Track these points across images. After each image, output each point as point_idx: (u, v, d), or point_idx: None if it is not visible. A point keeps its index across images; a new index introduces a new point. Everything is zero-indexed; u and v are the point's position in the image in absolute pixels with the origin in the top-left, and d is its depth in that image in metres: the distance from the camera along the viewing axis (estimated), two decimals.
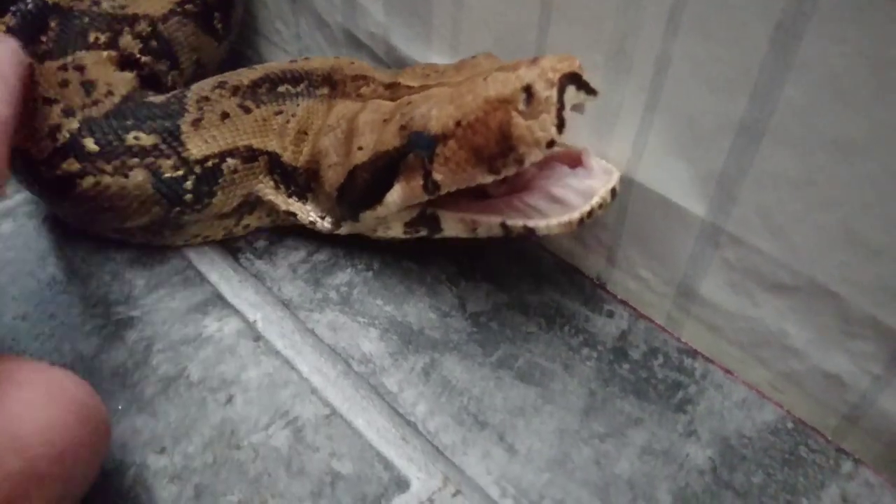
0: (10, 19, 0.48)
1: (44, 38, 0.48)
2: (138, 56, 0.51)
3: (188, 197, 0.45)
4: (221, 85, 0.48)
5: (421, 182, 0.40)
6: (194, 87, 0.47)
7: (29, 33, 0.47)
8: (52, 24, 0.48)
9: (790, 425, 0.41)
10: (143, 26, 0.51)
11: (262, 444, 0.39)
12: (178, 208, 0.46)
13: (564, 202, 0.38)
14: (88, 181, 0.43)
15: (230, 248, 0.50)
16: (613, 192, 0.38)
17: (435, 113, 0.38)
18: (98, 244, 0.50)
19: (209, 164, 0.45)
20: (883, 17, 0.28)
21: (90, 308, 0.46)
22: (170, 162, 0.44)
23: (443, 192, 0.39)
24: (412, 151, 0.40)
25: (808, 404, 0.41)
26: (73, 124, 0.44)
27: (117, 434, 0.39)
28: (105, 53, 0.48)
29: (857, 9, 0.29)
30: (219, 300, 0.47)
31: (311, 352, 0.44)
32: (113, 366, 0.43)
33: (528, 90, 0.34)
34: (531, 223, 0.39)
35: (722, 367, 0.44)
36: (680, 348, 0.45)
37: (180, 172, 0.44)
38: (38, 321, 0.45)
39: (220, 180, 0.46)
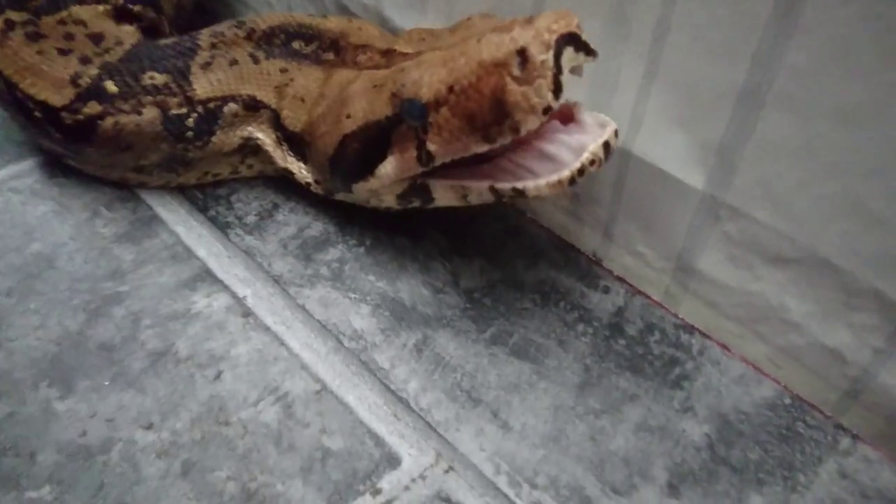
0: None
1: None
2: (130, 7, 0.52)
3: (189, 134, 0.47)
4: (239, 25, 0.49)
5: (415, 153, 0.39)
6: (206, 30, 0.49)
7: None
8: None
9: (788, 401, 0.40)
10: None
11: (252, 420, 0.39)
12: (181, 144, 0.47)
13: (556, 159, 0.36)
14: (109, 121, 0.45)
15: (220, 223, 0.49)
16: (607, 146, 0.35)
17: (426, 78, 0.37)
18: (85, 219, 0.49)
19: (211, 105, 0.47)
20: None
21: (77, 283, 0.45)
22: (176, 100, 0.46)
23: (437, 162, 0.38)
24: (404, 120, 0.39)
25: (808, 380, 0.40)
26: (93, 70, 0.45)
27: (104, 409, 0.39)
28: (101, 8, 0.50)
29: None
30: (208, 276, 0.46)
31: (302, 328, 0.43)
32: (100, 341, 0.42)
33: (522, 53, 0.32)
34: (520, 185, 0.37)
35: (719, 342, 0.43)
36: (677, 324, 0.44)
37: (184, 110, 0.46)
38: (24, 297, 0.44)
39: (219, 121, 0.48)
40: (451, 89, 0.36)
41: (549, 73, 0.32)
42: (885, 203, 0.32)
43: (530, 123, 0.33)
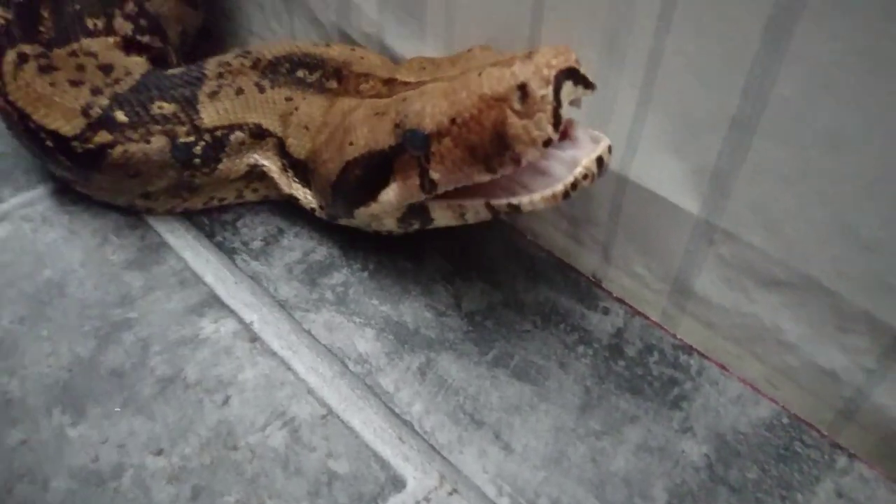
0: (5, 12, 0.49)
1: (42, 28, 0.50)
2: (138, 38, 0.53)
3: (196, 161, 0.48)
4: (245, 54, 0.50)
5: (417, 181, 0.40)
6: (212, 59, 0.50)
7: (28, 24, 0.50)
8: (45, 14, 0.50)
9: (785, 420, 0.41)
10: (130, 7, 0.53)
11: (259, 444, 0.39)
12: (188, 171, 0.49)
13: (549, 174, 0.37)
14: (118, 150, 0.47)
15: (226, 248, 0.50)
16: (600, 161, 0.36)
17: (429, 110, 0.38)
18: (95, 246, 0.50)
19: (218, 133, 0.48)
20: (875, 16, 0.28)
21: (87, 310, 0.46)
22: (184, 128, 0.48)
23: (440, 190, 0.39)
24: (407, 150, 0.40)
25: (803, 399, 0.41)
26: (104, 100, 0.47)
27: (115, 435, 0.39)
28: (111, 39, 0.51)
29: (848, 3, 0.29)
30: (215, 301, 0.47)
31: (308, 352, 0.44)
32: (110, 367, 0.43)
33: (523, 88, 0.33)
34: (515, 200, 0.37)
35: (717, 363, 0.44)
36: (675, 345, 0.45)
37: (192, 138, 0.48)
38: (36, 324, 0.45)
39: (226, 149, 0.49)
40: (453, 121, 0.37)
41: (549, 107, 0.33)
42: (874, 228, 0.33)
43: (531, 155, 0.34)
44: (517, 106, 0.34)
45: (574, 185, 0.36)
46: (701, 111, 0.36)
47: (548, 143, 0.34)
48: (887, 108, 0.30)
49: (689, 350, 0.44)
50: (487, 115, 0.35)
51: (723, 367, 0.43)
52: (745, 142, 0.35)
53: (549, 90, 0.33)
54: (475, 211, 0.40)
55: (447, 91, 0.37)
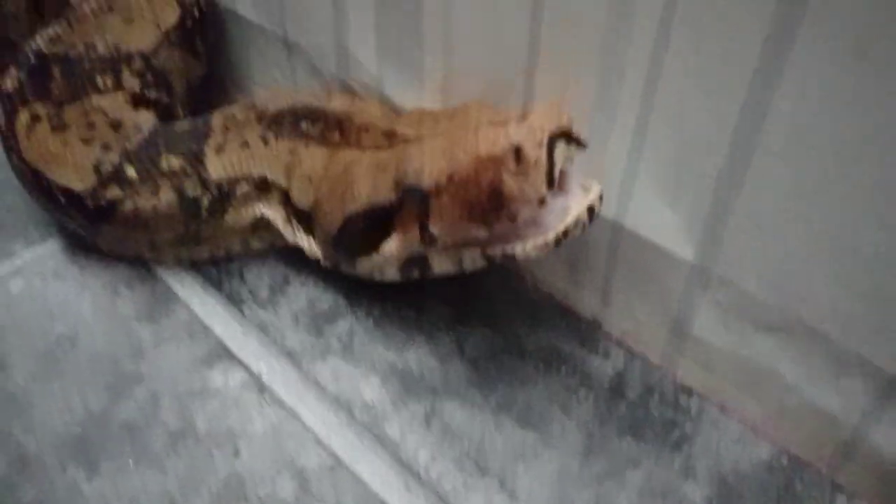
0: (18, 73, 0.51)
1: (53, 86, 0.52)
2: (145, 93, 0.54)
3: (203, 213, 0.50)
4: (250, 108, 0.52)
5: (418, 234, 0.41)
6: (217, 112, 0.52)
7: (39, 84, 0.52)
8: (56, 73, 0.52)
9: (785, 461, 0.42)
10: (138, 63, 0.55)
11: (270, 496, 0.40)
12: (195, 223, 0.50)
13: (541, 224, 0.38)
14: (128, 204, 0.49)
15: (234, 298, 0.51)
16: (591, 210, 0.37)
17: (427, 167, 0.39)
18: (106, 299, 0.51)
19: (224, 185, 0.50)
20: (858, 73, 0.30)
21: (99, 364, 0.47)
22: (191, 182, 0.49)
23: (440, 244, 0.40)
24: (407, 205, 0.41)
25: (803, 439, 0.41)
26: (114, 157, 0.49)
27: (129, 490, 0.40)
28: (119, 96, 0.53)
29: (828, 63, 0.30)
30: (224, 352, 0.48)
31: (315, 401, 0.45)
32: (123, 421, 0.44)
33: (517, 150, 0.35)
34: (509, 249, 0.39)
35: (717, 403, 0.44)
36: (675, 386, 0.46)
37: (199, 191, 0.49)
38: (49, 379, 0.46)
39: (232, 200, 0.50)
40: (450, 179, 0.38)
41: (543, 168, 0.34)
42: (863, 276, 0.34)
43: (526, 213, 0.36)
44: (512, 166, 0.35)
45: (565, 234, 0.37)
46: (690, 166, 0.37)
47: (542, 201, 0.35)
48: (871, 165, 0.31)
49: (689, 391, 0.45)
50: (484, 175, 0.36)
51: (722, 407, 0.44)
52: (733, 195, 0.36)
53: (543, 152, 0.34)
54: (472, 259, 0.41)
55: (445, 149, 0.39)
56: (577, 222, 0.37)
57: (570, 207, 0.37)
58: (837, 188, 0.33)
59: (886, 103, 0.29)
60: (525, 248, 0.38)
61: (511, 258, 0.39)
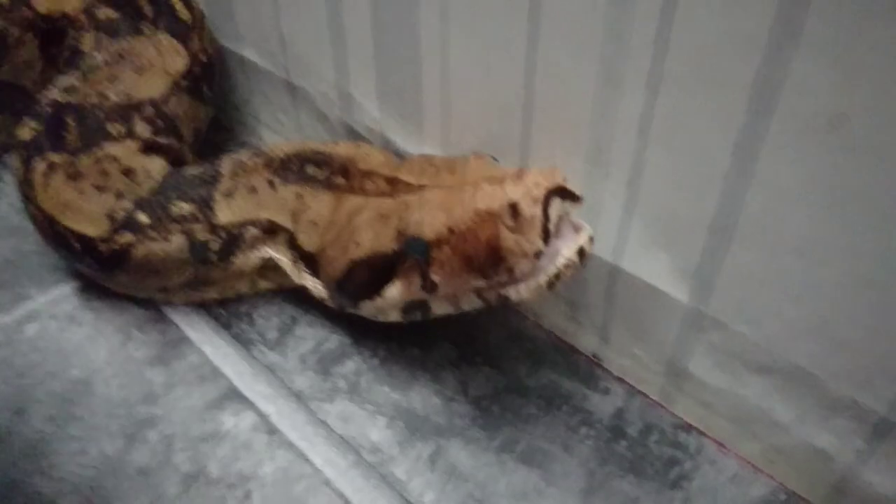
0: (35, 124, 0.53)
1: (67, 135, 0.53)
2: (157, 140, 0.56)
3: (213, 257, 0.51)
4: (258, 154, 0.54)
5: (419, 282, 0.43)
6: (227, 157, 0.54)
7: (55, 133, 0.54)
8: (70, 122, 0.53)
9: (782, 497, 0.43)
10: (148, 110, 0.57)
11: None
12: (204, 266, 0.52)
13: (534, 266, 0.39)
14: (140, 250, 0.50)
15: (243, 340, 0.53)
16: (582, 252, 0.38)
17: (428, 220, 0.41)
18: (119, 343, 0.53)
19: (233, 230, 0.52)
20: (833, 144, 0.31)
21: (114, 408, 0.48)
22: (201, 227, 0.51)
23: (441, 292, 0.42)
24: (409, 254, 0.42)
25: (799, 476, 0.42)
26: (127, 204, 0.50)
27: None
28: (132, 145, 0.55)
29: (806, 132, 0.32)
30: (234, 395, 0.49)
31: (324, 443, 0.46)
32: (137, 466, 0.45)
33: (513, 207, 0.36)
34: (503, 291, 0.40)
35: (715, 440, 0.46)
36: (675, 423, 0.47)
37: (208, 236, 0.51)
38: (65, 423, 0.47)
39: (241, 244, 0.52)
40: (451, 231, 0.40)
41: (539, 224, 0.36)
42: (847, 327, 0.35)
43: (523, 266, 0.37)
44: (509, 222, 0.37)
45: (557, 277, 0.38)
46: (681, 216, 0.39)
47: (538, 255, 0.37)
48: (848, 228, 0.32)
49: (689, 428, 0.46)
50: (482, 229, 0.38)
51: (720, 444, 0.45)
52: (723, 245, 0.38)
53: (539, 209, 0.36)
54: (469, 301, 0.43)
55: (445, 203, 0.40)
56: (568, 264, 0.38)
57: (560, 249, 0.39)
58: (820, 244, 0.34)
59: (859, 171, 0.31)
60: (518, 291, 0.40)
61: (506, 300, 0.41)
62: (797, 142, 0.32)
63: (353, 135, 0.59)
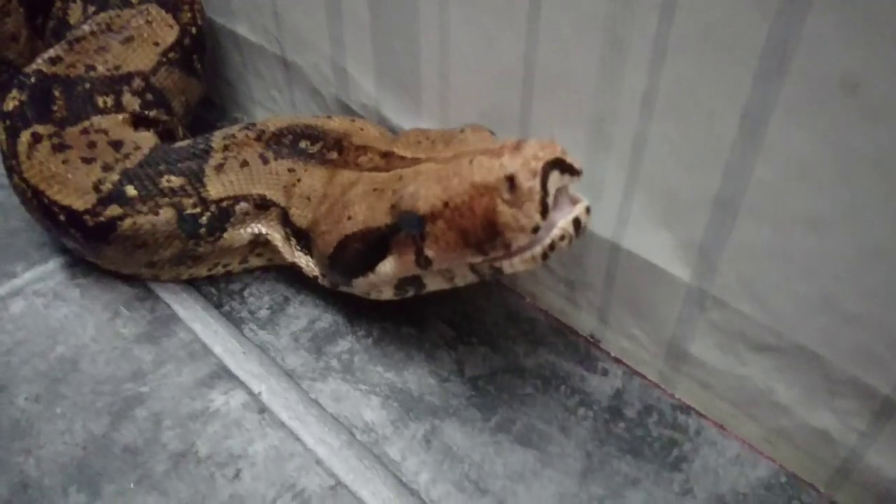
0: (20, 94, 0.52)
1: (54, 107, 0.52)
2: (145, 113, 0.55)
3: (202, 231, 0.50)
4: (250, 128, 0.52)
5: (413, 258, 0.41)
6: (218, 131, 0.53)
7: (41, 104, 0.52)
8: (57, 93, 0.52)
9: (783, 479, 0.42)
10: (137, 83, 0.55)
11: None
12: (192, 241, 0.51)
13: None
14: (128, 223, 0.49)
15: (234, 318, 0.52)
16: (577, 223, 0.37)
17: (423, 193, 0.40)
18: (106, 320, 0.51)
19: (223, 204, 0.50)
20: (846, 109, 0.30)
21: (100, 386, 0.47)
22: (191, 200, 0.50)
23: (435, 267, 0.41)
24: (403, 229, 0.41)
25: (800, 459, 0.42)
26: (114, 176, 0.49)
27: None
28: (120, 117, 0.53)
29: (818, 98, 0.31)
30: (224, 373, 0.48)
31: (316, 422, 0.45)
32: (124, 444, 0.44)
33: (511, 180, 0.35)
34: (497, 263, 0.39)
35: (715, 422, 0.45)
36: (674, 405, 0.46)
37: (198, 210, 0.50)
38: (51, 402, 0.46)
39: (231, 219, 0.51)
40: (445, 205, 0.38)
41: (537, 198, 0.35)
42: (856, 302, 0.34)
43: (520, 241, 0.36)
44: (506, 195, 0.35)
45: (552, 247, 0.37)
46: (685, 191, 0.38)
47: (536, 230, 0.35)
48: (859, 196, 0.31)
49: (688, 410, 0.46)
50: (478, 203, 0.37)
51: (721, 426, 0.45)
52: (728, 220, 0.37)
53: (537, 182, 0.34)
54: (462, 275, 0.42)
55: (440, 175, 0.39)
56: (563, 235, 0.37)
57: (556, 220, 0.37)
58: (830, 215, 0.33)
59: (873, 136, 0.30)
60: (512, 263, 0.38)
61: (499, 272, 0.39)
62: (809, 107, 0.31)
63: (348, 112, 0.58)
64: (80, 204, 0.49)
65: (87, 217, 0.49)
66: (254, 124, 0.53)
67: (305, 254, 0.51)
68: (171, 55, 0.58)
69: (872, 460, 0.38)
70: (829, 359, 0.37)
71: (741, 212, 0.36)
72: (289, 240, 0.52)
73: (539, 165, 0.34)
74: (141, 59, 0.57)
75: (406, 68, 0.50)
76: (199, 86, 0.64)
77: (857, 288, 0.34)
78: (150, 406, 0.46)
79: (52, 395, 0.47)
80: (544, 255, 0.37)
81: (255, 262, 0.55)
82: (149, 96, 0.56)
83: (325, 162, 0.51)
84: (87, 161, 0.50)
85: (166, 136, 0.56)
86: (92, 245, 0.51)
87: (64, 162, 0.49)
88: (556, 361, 0.48)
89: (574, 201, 0.38)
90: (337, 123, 0.52)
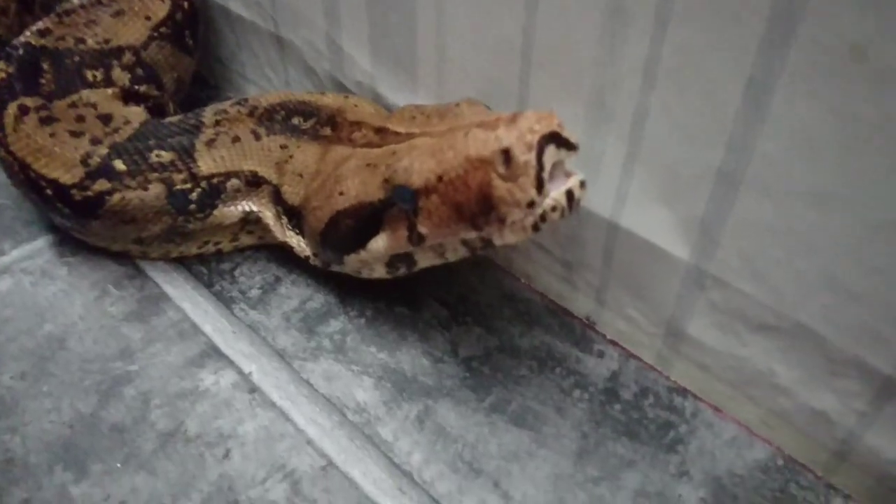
0: (7, 66, 0.51)
1: (42, 80, 0.51)
2: (135, 88, 0.54)
3: (192, 207, 0.49)
4: (242, 102, 0.52)
5: (406, 234, 0.41)
6: (211, 106, 0.52)
7: (29, 76, 0.51)
8: (46, 66, 0.51)
9: (780, 462, 0.41)
10: (128, 57, 0.55)
11: (260, 498, 0.40)
12: (182, 217, 0.50)
13: None
14: (116, 197, 0.48)
15: (224, 298, 0.51)
16: (570, 195, 0.35)
17: (417, 167, 0.39)
18: (94, 298, 0.50)
19: (214, 180, 0.50)
20: (855, 76, 0.29)
21: (88, 364, 0.46)
22: (181, 176, 0.49)
23: (428, 243, 0.40)
24: (396, 204, 0.40)
25: (798, 441, 0.41)
26: (103, 150, 0.48)
27: (117, 492, 0.40)
28: (109, 91, 0.52)
29: (825, 67, 0.30)
30: (214, 352, 0.47)
31: (307, 403, 0.44)
32: (111, 423, 0.43)
33: (506, 153, 0.34)
34: (486, 235, 0.38)
35: (712, 405, 0.44)
36: (670, 387, 0.45)
37: (188, 186, 0.49)
38: (38, 380, 0.45)
39: (222, 196, 0.50)
40: (439, 179, 0.37)
41: (532, 172, 0.34)
42: (859, 280, 0.34)
43: (515, 216, 0.35)
44: (501, 169, 0.34)
45: (543, 218, 0.35)
46: (686, 164, 0.37)
47: (531, 204, 0.35)
48: (866, 169, 0.31)
49: (684, 392, 0.45)
50: (473, 177, 0.36)
51: (717, 409, 0.44)
52: (730, 194, 0.36)
53: (532, 155, 0.33)
54: (453, 249, 0.41)
55: (434, 149, 0.38)
56: (555, 206, 0.35)
57: (548, 191, 0.35)
58: (836, 188, 0.32)
59: (883, 104, 0.29)
60: (503, 233, 0.37)
61: (489, 244, 0.38)
62: (816, 76, 0.30)
63: (343, 90, 0.57)
64: (67, 178, 0.48)
65: (74, 191, 0.48)
66: (246, 100, 0.52)
67: (297, 233, 0.50)
68: (162, 30, 0.57)
69: (871, 442, 0.38)
70: (830, 338, 0.37)
71: (743, 186, 0.35)
72: (280, 218, 0.51)
73: (535, 139, 0.33)
74: (132, 33, 0.56)
75: (402, 43, 0.49)
76: (191, 62, 0.63)
77: (861, 264, 0.33)
78: (138, 385, 0.45)
79: (39, 373, 0.46)
80: (535, 227, 0.36)
81: (246, 240, 0.54)
82: (139, 71, 0.55)
83: (318, 138, 0.50)
84: (76, 135, 0.49)
85: (157, 112, 0.55)
86: (80, 220, 0.50)
87: (51, 135, 0.48)
88: (551, 343, 0.48)
89: (568, 174, 0.36)
90: (331, 99, 0.51)
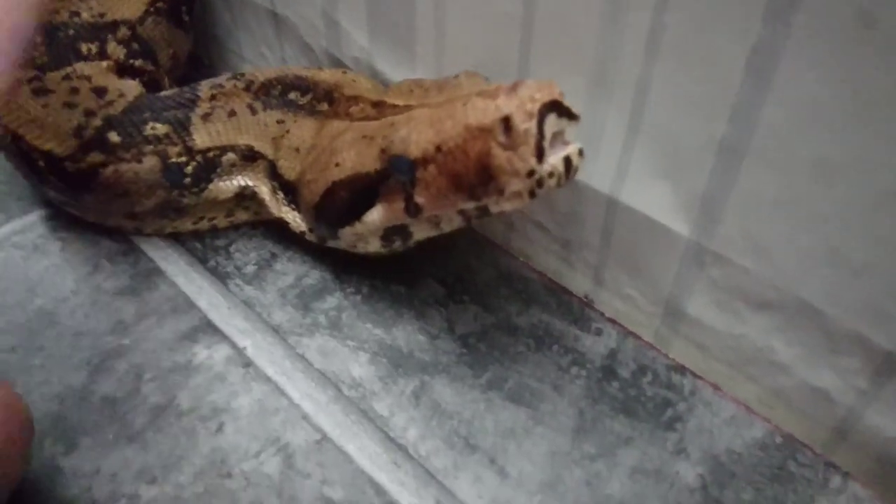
0: None
1: (34, 52, 0.50)
2: (130, 62, 0.53)
3: (187, 181, 0.49)
4: (238, 77, 0.51)
5: (402, 205, 0.40)
6: (207, 81, 0.51)
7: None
8: (39, 39, 0.50)
9: (779, 440, 0.41)
10: (123, 31, 0.54)
11: (254, 471, 0.39)
12: (177, 191, 0.49)
13: None
14: (110, 170, 0.47)
15: (219, 274, 0.50)
16: (568, 161, 0.35)
17: (414, 137, 0.38)
18: (87, 273, 0.50)
19: (210, 154, 0.49)
20: (863, 43, 0.29)
21: (79, 338, 0.46)
22: (176, 149, 0.48)
23: (425, 215, 0.39)
24: (393, 175, 0.40)
25: (797, 419, 0.41)
26: (97, 122, 0.47)
27: (108, 465, 0.39)
28: (105, 64, 0.52)
29: (832, 33, 0.29)
30: (208, 327, 0.47)
31: (302, 377, 0.44)
32: (103, 396, 0.43)
33: (506, 122, 0.33)
34: (482, 203, 0.37)
35: (710, 383, 0.44)
36: (668, 365, 0.45)
37: (183, 159, 0.48)
38: (28, 353, 0.45)
39: (217, 170, 0.50)
40: (438, 149, 0.37)
41: (532, 140, 0.33)
42: (863, 253, 0.33)
43: (514, 186, 0.35)
44: (501, 138, 0.34)
45: (539, 184, 0.35)
46: (689, 137, 0.36)
47: (531, 174, 0.34)
48: (873, 138, 0.30)
49: (683, 370, 0.45)
50: (472, 146, 0.35)
51: (716, 387, 0.44)
52: (733, 167, 0.35)
53: (533, 123, 0.33)
54: (449, 219, 0.40)
55: (433, 119, 0.38)
56: (552, 172, 0.34)
57: (547, 158, 0.35)
58: (839, 161, 0.32)
59: (891, 72, 0.29)
60: (499, 202, 0.36)
61: (485, 212, 0.37)
62: (822, 44, 0.29)
63: (340, 66, 0.56)
64: (60, 149, 0.47)
65: (67, 163, 0.47)
66: (242, 74, 0.51)
67: (293, 208, 0.50)
68: (158, 5, 0.57)
69: (871, 420, 0.38)
70: (831, 315, 0.36)
71: (747, 158, 0.35)
72: (276, 193, 0.50)
73: (535, 107, 0.33)
74: (127, 7, 0.55)
75: (400, 17, 0.48)
76: (187, 39, 0.62)
77: (865, 238, 0.33)
78: (130, 359, 0.45)
79: (30, 347, 0.45)
80: (531, 193, 0.35)
81: (241, 216, 0.53)
82: (135, 46, 0.54)
83: (314, 113, 0.50)
84: (69, 106, 0.48)
85: (152, 87, 0.54)
86: (73, 193, 0.49)
87: (44, 106, 0.48)
88: (549, 321, 0.47)
89: (565, 143, 0.36)
90: (328, 74, 0.51)
